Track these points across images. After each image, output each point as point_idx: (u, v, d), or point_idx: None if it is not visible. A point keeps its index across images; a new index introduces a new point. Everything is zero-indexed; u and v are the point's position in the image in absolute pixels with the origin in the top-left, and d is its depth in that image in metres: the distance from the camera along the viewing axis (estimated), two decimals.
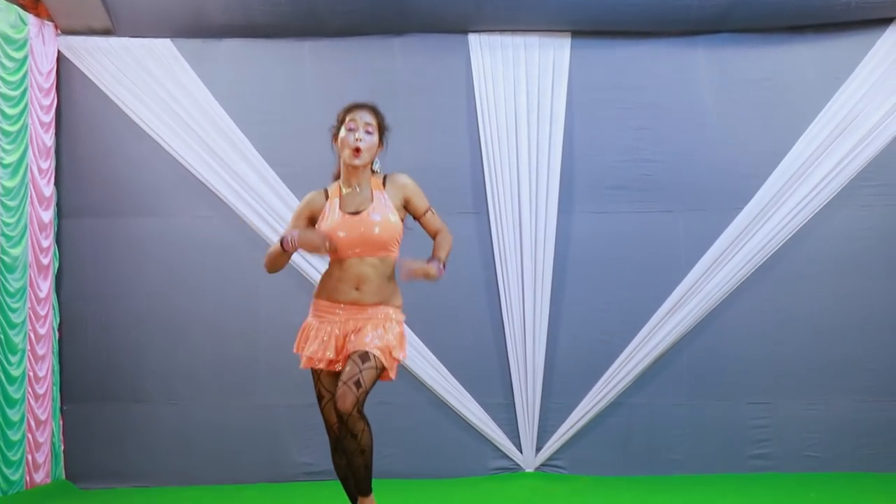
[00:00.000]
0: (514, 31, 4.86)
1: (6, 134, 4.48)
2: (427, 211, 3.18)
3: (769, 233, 4.78)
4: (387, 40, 4.91)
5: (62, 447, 4.87)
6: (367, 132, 3.06)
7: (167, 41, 4.87)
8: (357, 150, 3.03)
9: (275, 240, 4.76)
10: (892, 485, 4.48)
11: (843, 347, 4.80)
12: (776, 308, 4.82)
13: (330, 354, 3.06)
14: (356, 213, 3.05)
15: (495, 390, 4.88)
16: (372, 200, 3.06)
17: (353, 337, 3.05)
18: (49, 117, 4.83)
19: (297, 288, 4.85)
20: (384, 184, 3.12)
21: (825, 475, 4.68)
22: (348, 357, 3.00)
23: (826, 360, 4.80)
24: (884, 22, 4.76)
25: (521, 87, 4.83)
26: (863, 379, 4.79)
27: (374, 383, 3.01)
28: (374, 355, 2.97)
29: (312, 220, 3.12)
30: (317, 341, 3.09)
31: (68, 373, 4.90)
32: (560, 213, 4.86)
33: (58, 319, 4.89)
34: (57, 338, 4.88)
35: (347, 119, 3.07)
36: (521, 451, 4.86)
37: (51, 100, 4.84)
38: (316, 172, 4.84)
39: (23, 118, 4.59)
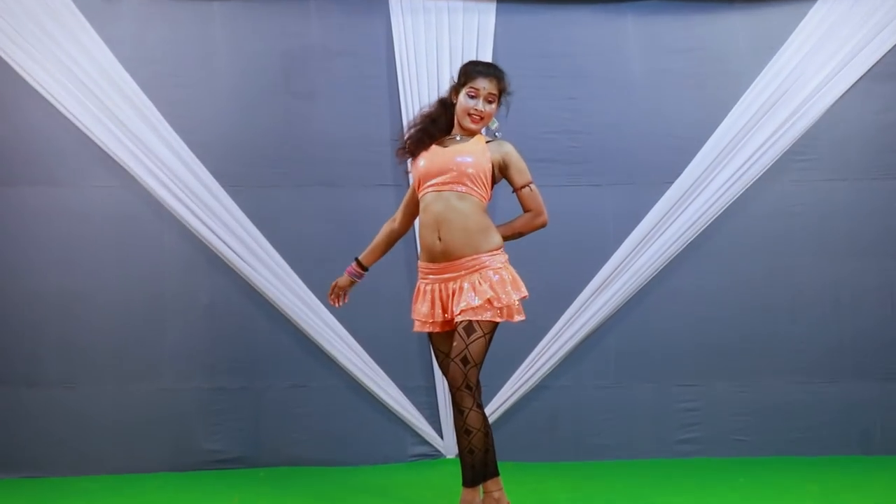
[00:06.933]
0: None
1: None
2: (526, 186, 3.23)
3: (700, 208, 4.61)
4: (303, 2, 4.64)
5: None
6: (489, 101, 3.23)
7: None
8: (477, 118, 3.24)
9: (181, 211, 4.53)
10: (822, 469, 4.35)
11: (774, 327, 4.65)
12: (706, 286, 4.66)
13: (437, 318, 3.19)
14: (448, 148, 3.24)
15: (415, 373, 4.65)
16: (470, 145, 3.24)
17: (455, 297, 3.13)
18: None
19: (206, 263, 4.58)
20: (487, 143, 3.28)
21: (754, 460, 4.54)
22: (454, 327, 3.11)
23: (756, 340, 4.65)
24: None
25: (444, 53, 4.60)
26: (794, 360, 4.65)
27: (485, 353, 3.11)
28: (479, 322, 3.04)
29: None
30: (425, 304, 3.21)
31: None
32: None
33: None
34: None
35: (469, 84, 3.21)
36: (441, 437, 4.64)
37: None
38: (226, 139, 4.64)
39: None
